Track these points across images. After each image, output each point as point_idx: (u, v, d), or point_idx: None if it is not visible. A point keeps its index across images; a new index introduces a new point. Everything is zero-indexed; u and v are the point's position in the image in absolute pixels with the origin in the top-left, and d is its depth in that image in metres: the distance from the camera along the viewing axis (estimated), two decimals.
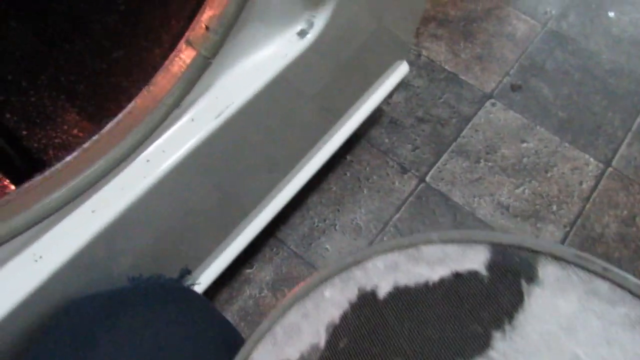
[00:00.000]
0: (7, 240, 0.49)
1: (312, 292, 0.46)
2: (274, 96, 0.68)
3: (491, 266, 0.46)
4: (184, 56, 0.57)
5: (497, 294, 0.45)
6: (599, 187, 1.22)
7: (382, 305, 0.46)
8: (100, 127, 0.59)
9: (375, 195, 1.23)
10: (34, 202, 0.50)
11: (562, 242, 1.17)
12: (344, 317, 0.45)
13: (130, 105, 0.55)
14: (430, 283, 0.46)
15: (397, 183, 1.24)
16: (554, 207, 1.21)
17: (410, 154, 1.28)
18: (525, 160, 1.27)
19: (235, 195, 0.88)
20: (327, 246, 1.17)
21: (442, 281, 0.46)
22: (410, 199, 1.22)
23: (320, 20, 0.68)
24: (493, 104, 1.35)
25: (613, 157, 1.26)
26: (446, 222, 1.21)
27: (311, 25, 0.68)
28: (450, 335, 0.45)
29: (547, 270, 0.46)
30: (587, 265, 0.45)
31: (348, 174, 1.25)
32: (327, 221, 1.20)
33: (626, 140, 1.28)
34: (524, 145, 1.29)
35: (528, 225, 1.19)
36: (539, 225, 1.19)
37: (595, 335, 0.43)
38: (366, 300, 0.47)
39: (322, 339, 0.45)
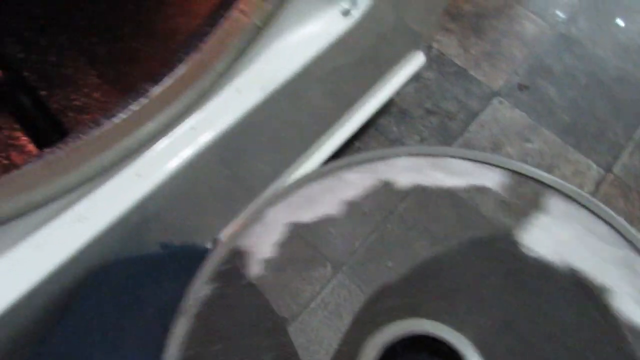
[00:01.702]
0: (54, 199, 0.48)
1: (336, 172, 0.50)
2: (313, 74, 0.68)
3: (504, 188, 0.50)
4: (236, 24, 0.56)
5: (500, 212, 0.49)
6: (599, 192, 1.25)
7: (397, 195, 0.50)
8: (141, 93, 0.58)
9: None
10: (83, 162, 0.49)
11: None
12: (362, 196, 0.50)
13: (179, 70, 0.54)
14: (445, 187, 0.51)
15: None
16: None
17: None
18: (529, 159, 1.29)
19: (251, 172, 0.88)
20: (331, 230, 1.17)
21: (456, 188, 0.50)
22: None
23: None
24: (500, 102, 1.37)
25: (614, 164, 1.29)
26: (449, 214, 1.22)
27: (355, 3, 0.67)
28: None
29: (558, 205, 0.49)
30: (595, 210, 0.47)
31: None
32: None
33: (628, 149, 1.31)
34: (528, 145, 1.31)
35: None
36: None
37: (586, 261, 0.45)
38: (383, 189, 0.52)
39: (335, 211, 0.50)
